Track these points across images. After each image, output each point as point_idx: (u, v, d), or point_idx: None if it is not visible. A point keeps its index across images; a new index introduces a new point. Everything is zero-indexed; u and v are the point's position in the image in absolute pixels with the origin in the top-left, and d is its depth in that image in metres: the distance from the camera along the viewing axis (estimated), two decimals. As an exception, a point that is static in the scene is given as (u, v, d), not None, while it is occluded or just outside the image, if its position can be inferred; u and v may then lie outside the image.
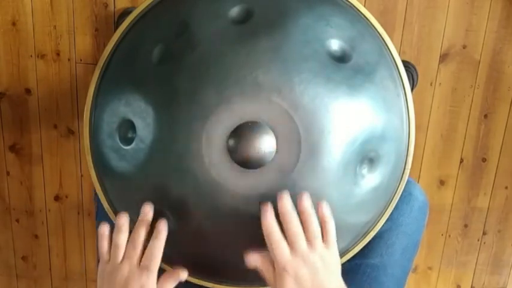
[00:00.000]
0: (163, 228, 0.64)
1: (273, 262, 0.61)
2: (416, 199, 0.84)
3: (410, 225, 0.83)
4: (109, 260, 0.65)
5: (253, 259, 0.63)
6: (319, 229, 0.61)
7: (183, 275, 0.66)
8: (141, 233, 0.64)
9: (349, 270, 0.71)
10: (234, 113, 0.61)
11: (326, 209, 0.62)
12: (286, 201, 0.61)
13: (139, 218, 0.65)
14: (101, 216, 0.88)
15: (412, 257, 0.86)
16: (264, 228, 0.60)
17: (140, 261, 0.63)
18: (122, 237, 0.64)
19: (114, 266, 0.63)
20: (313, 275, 0.60)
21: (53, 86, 1.25)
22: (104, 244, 0.66)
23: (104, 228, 0.66)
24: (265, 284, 0.73)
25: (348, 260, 0.73)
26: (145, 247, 0.64)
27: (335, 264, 0.63)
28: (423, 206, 0.86)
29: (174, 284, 0.65)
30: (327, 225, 0.62)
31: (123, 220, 0.65)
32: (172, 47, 0.66)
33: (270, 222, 0.60)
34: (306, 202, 0.61)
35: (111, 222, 0.73)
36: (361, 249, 0.73)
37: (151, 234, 0.64)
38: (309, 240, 0.61)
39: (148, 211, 0.65)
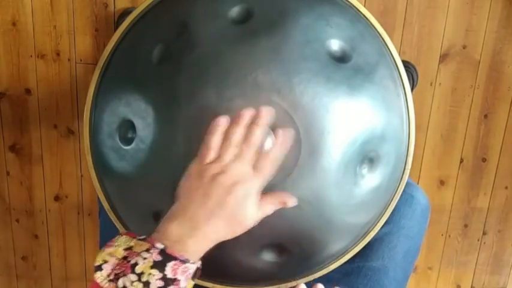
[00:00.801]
0: (290, 138, 0.57)
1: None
2: (418, 202, 0.84)
3: (412, 228, 0.83)
4: (215, 158, 0.56)
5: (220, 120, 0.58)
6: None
7: (291, 202, 0.58)
8: (259, 134, 0.56)
9: (350, 273, 0.71)
10: (234, 113, 0.61)
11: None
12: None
13: (257, 118, 0.57)
14: (103, 215, 0.88)
15: (413, 260, 0.86)
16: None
17: (254, 164, 0.56)
18: (241, 133, 0.57)
19: (224, 164, 0.56)
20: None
21: (53, 86, 1.25)
22: (217, 138, 0.57)
23: (223, 120, 0.57)
24: (265, 284, 0.73)
25: (350, 263, 0.73)
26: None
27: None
28: (425, 209, 0.86)
29: (276, 208, 0.58)
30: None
31: (246, 115, 0.57)
32: (172, 47, 0.66)
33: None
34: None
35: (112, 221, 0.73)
36: (363, 252, 0.73)
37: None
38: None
39: (268, 114, 0.57)
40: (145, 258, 0.51)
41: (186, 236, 0.53)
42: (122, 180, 0.69)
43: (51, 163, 1.32)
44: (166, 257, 0.51)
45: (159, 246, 0.52)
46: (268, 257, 0.68)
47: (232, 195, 0.54)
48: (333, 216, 0.66)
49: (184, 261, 0.52)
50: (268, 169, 0.56)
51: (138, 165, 0.66)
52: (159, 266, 0.51)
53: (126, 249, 0.53)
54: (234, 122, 0.57)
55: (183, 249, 0.53)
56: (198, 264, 0.54)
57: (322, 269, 0.73)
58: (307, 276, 0.73)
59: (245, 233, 0.65)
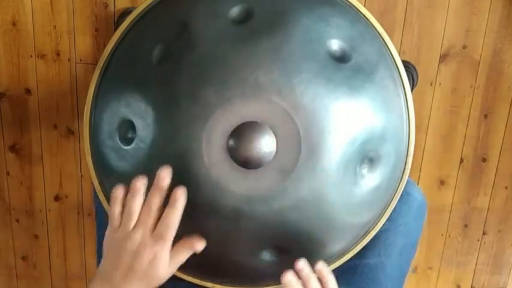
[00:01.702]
0: (180, 197, 0.60)
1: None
2: (414, 199, 0.84)
3: (409, 225, 0.83)
4: (119, 226, 0.61)
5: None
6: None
7: (199, 245, 0.62)
8: (157, 200, 0.60)
9: (347, 271, 0.71)
10: (234, 113, 0.61)
11: (324, 267, 0.64)
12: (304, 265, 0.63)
13: (154, 183, 0.60)
14: (100, 216, 0.88)
15: (410, 257, 0.86)
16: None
17: (154, 229, 0.60)
18: (137, 202, 0.60)
19: (126, 232, 0.60)
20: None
21: (53, 86, 1.25)
22: (116, 208, 0.61)
23: (119, 191, 0.62)
24: (265, 284, 0.73)
25: (348, 261, 0.73)
26: (159, 216, 0.60)
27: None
28: (421, 206, 0.86)
29: (188, 254, 0.62)
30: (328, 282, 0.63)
31: (140, 185, 0.60)
32: (172, 47, 0.66)
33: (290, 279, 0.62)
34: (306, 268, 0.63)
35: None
36: (359, 250, 0.73)
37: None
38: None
39: (164, 177, 0.60)
40: None
41: None
42: (122, 180, 0.69)
43: (51, 163, 1.32)
44: None
45: None
46: (268, 257, 0.68)
47: (139, 260, 0.59)
48: (333, 216, 0.66)
49: None
50: (169, 234, 0.60)
51: (138, 165, 0.66)
52: None
53: None
54: (130, 193, 0.61)
55: None
56: None
57: (322, 269, 0.73)
58: (307, 276, 0.73)
59: (245, 233, 0.65)
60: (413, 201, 0.84)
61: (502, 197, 1.38)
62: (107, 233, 0.62)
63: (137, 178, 0.61)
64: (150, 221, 0.60)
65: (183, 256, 0.62)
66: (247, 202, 0.63)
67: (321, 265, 0.64)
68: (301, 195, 0.63)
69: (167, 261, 0.60)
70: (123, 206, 0.61)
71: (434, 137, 1.31)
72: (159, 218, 0.60)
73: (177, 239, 0.63)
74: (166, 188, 0.60)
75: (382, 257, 0.79)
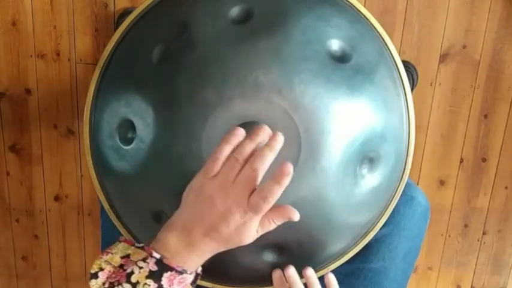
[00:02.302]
0: (289, 173, 0.53)
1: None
2: (419, 204, 0.84)
3: (413, 229, 0.83)
4: (218, 176, 0.54)
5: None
6: None
7: (295, 215, 0.55)
8: (269, 160, 0.53)
9: (350, 274, 0.71)
10: (234, 113, 0.61)
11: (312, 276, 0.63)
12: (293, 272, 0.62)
13: (272, 141, 0.54)
14: (104, 214, 0.88)
15: (413, 261, 0.86)
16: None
17: (250, 196, 0.53)
18: (249, 150, 0.54)
19: (224, 185, 0.53)
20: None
21: (53, 86, 1.25)
22: (227, 150, 0.54)
23: (240, 132, 0.55)
24: (265, 284, 0.73)
25: (350, 264, 0.73)
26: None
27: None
28: (425, 210, 0.86)
29: (280, 223, 0.56)
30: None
31: (263, 133, 0.55)
32: (172, 47, 0.66)
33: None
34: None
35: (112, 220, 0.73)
36: (363, 253, 0.73)
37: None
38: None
39: (281, 140, 0.54)
40: (141, 268, 0.51)
41: (183, 250, 0.53)
42: (122, 180, 0.69)
43: (51, 163, 1.32)
44: (162, 267, 0.51)
45: (156, 255, 0.52)
46: (268, 257, 0.68)
47: (225, 224, 0.53)
48: (333, 216, 0.66)
49: (181, 272, 0.52)
50: (262, 209, 0.53)
51: (138, 165, 0.66)
52: (155, 276, 0.51)
53: (123, 257, 0.52)
54: (248, 137, 0.55)
55: (181, 261, 0.53)
56: (198, 270, 0.55)
57: (322, 269, 0.73)
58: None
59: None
60: (418, 206, 0.84)
61: (502, 197, 1.38)
62: (197, 178, 0.55)
63: (262, 126, 0.54)
64: (253, 182, 0.53)
65: (273, 226, 0.56)
66: (247, 202, 0.63)
67: (310, 272, 0.62)
68: (301, 195, 0.63)
69: (255, 229, 0.54)
70: (234, 150, 0.54)
71: (434, 137, 1.31)
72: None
73: None
74: (277, 150, 0.55)
75: (386, 261, 0.79)
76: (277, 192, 0.53)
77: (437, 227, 1.40)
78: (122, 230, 0.73)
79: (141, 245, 0.54)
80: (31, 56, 1.22)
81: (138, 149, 0.65)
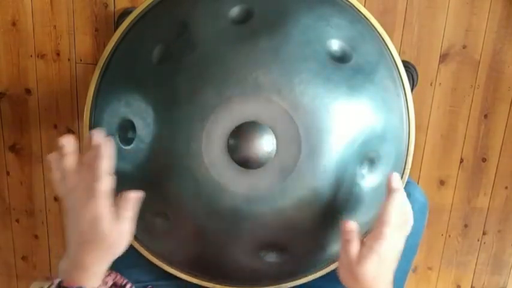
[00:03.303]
0: (101, 142, 0.58)
1: (360, 237, 0.62)
2: (416, 200, 0.84)
3: None
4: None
5: (350, 226, 0.61)
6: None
7: (136, 194, 0.59)
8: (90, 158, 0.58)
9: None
10: (234, 113, 0.61)
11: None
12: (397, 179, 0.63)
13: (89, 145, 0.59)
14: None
15: (411, 259, 0.86)
16: (387, 211, 0.61)
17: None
18: (70, 161, 0.59)
19: (64, 195, 0.60)
20: (392, 257, 0.62)
21: (53, 86, 1.25)
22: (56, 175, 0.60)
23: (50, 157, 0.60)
24: (265, 284, 0.73)
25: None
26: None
27: (399, 255, 0.65)
28: (423, 207, 0.86)
29: (132, 208, 0.59)
30: (410, 215, 0.64)
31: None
32: (172, 47, 0.66)
33: (393, 211, 0.61)
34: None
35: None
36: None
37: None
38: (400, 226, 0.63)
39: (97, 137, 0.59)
40: None
41: (69, 268, 0.58)
42: (122, 181, 0.69)
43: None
44: None
45: (56, 281, 0.57)
46: (268, 257, 0.68)
47: (80, 221, 0.57)
48: (332, 216, 0.66)
49: None
50: (98, 185, 0.56)
51: (138, 165, 0.66)
52: None
53: None
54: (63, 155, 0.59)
55: (72, 279, 0.57)
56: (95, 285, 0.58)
57: (322, 269, 0.73)
58: (307, 276, 0.73)
59: (245, 233, 0.65)
60: (415, 203, 0.84)
61: (502, 197, 1.37)
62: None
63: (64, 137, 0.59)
64: (83, 179, 0.58)
65: (127, 211, 0.58)
66: (247, 202, 0.63)
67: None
68: (301, 195, 0.63)
69: (109, 217, 0.56)
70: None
71: (434, 137, 1.31)
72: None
73: (177, 240, 0.63)
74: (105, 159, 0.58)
75: None
76: (101, 164, 0.57)
77: (437, 227, 1.39)
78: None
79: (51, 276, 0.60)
80: (31, 56, 1.22)
81: (138, 149, 0.65)
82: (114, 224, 0.57)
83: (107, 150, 0.58)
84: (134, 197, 0.59)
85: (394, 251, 0.63)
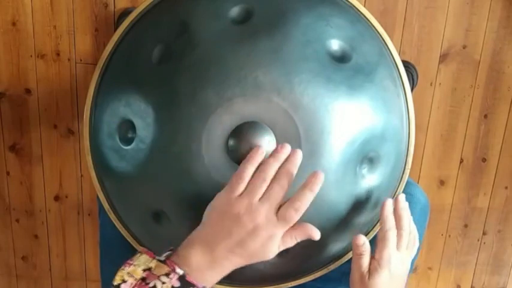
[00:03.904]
0: (320, 181, 0.56)
1: (370, 251, 0.64)
2: (418, 201, 0.84)
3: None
4: (243, 192, 0.56)
5: (361, 240, 0.64)
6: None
7: (316, 234, 0.58)
8: (293, 175, 0.56)
9: (349, 272, 0.71)
10: (234, 113, 0.61)
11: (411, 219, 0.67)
12: (404, 201, 0.66)
13: (293, 158, 0.57)
14: (103, 215, 0.88)
15: (412, 260, 0.86)
16: (383, 217, 0.64)
17: (279, 209, 0.56)
18: (274, 169, 0.56)
19: (251, 204, 0.55)
20: (402, 275, 0.66)
21: (53, 86, 1.25)
22: (251, 169, 0.57)
23: (261, 151, 0.58)
24: (265, 284, 0.73)
25: (349, 262, 0.73)
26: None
27: (408, 271, 0.68)
28: (424, 208, 0.86)
29: (300, 240, 0.58)
30: (415, 234, 0.69)
31: (285, 151, 0.57)
32: (172, 47, 0.66)
33: (389, 215, 0.64)
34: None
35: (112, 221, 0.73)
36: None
37: None
38: (408, 241, 0.66)
39: (300, 156, 0.58)
40: (164, 283, 0.52)
41: (205, 267, 0.55)
42: (122, 180, 0.69)
43: (51, 163, 1.32)
44: (185, 283, 0.52)
45: (179, 271, 0.53)
46: (268, 257, 0.68)
47: (254, 239, 0.55)
48: (332, 216, 0.66)
49: None
50: (296, 218, 0.56)
51: (138, 165, 0.66)
52: None
53: (145, 270, 0.53)
54: (272, 155, 0.57)
55: (202, 278, 0.54)
56: None
57: (322, 269, 0.73)
58: (307, 276, 0.73)
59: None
60: (417, 203, 0.84)
61: (502, 197, 1.38)
62: (221, 196, 0.57)
63: (283, 144, 0.57)
64: (280, 197, 0.56)
65: (294, 242, 0.58)
66: (247, 202, 0.63)
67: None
68: (301, 195, 0.63)
69: (277, 245, 0.56)
70: (259, 169, 0.56)
71: (434, 137, 1.31)
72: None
73: (177, 240, 0.63)
74: (298, 165, 0.57)
75: None
76: (310, 200, 0.56)
77: (437, 227, 1.40)
78: (122, 231, 0.73)
79: (163, 258, 0.55)
80: (31, 56, 1.22)
81: (138, 149, 0.65)
82: (277, 249, 0.57)
83: (319, 186, 0.57)
84: (311, 233, 0.58)
85: (402, 266, 0.65)
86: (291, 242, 0.58)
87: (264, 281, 0.72)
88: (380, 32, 0.70)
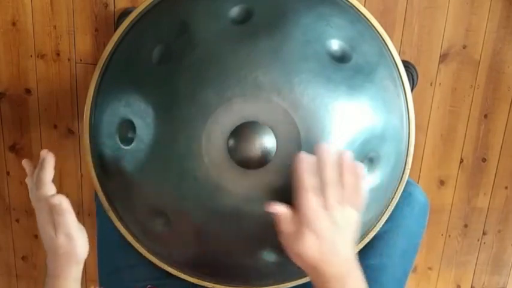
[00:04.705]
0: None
1: (293, 215, 0.58)
2: (417, 200, 0.84)
3: (411, 226, 0.83)
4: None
5: (275, 208, 0.58)
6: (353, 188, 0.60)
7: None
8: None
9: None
10: (234, 113, 0.61)
11: (360, 168, 0.60)
12: (327, 151, 0.58)
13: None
14: (100, 215, 0.88)
15: (412, 259, 0.86)
16: (296, 174, 0.57)
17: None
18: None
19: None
20: (334, 233, 0.58)
21: (53, 86, 1.25)
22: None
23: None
24: (265, 284, 0.73)
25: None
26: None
27: (353, 228, 0.61)
28: (424, 207, 0.86)
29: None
30: (356, 185, 0.59)
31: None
32: (172, 47, 0.66)
33: (302, 169, 0.57)
34: (349, 156, 0.59)
35: (111, 221, 0.73)
36: (361, 250, 0.73)
37: None
38: (340, 196, 0.58)
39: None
40: None
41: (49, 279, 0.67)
42: (122, 180, 0.69)
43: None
44: None
45: None
46: (268, 257, 0.68)
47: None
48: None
49: None
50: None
51: (138, 165, 0.66)
52: None
53: None
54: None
55: None
56: None
57: (322, 269, 0.73)
58: (307, 276, 0.73)
59: (245, 233, 0.65)
60: (416, 203, 0.84)
61: (502, 197, 1.38)
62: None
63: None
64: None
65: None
66: (247, 202, 0.63)
67: (359, 166, 0.60)
68: (301, 195, 0.63)
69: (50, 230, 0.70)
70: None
71: (434, 137, 1.31)
72: None
73: (177, 240, 0.63)
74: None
75: (384, 257, 0.79)
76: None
77: (437, 227, 1.39)
78: (122, 230, 0.73)
79: None
80: (31, 56, 1.22)
81: (138, 149, 0.65)
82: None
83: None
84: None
85: (337, 224, 0.57)
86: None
87: (264, 281, 0.72)
88: (380, 32, 0.70)
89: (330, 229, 0.57)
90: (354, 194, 0.59)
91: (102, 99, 0.70)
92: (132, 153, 0.66)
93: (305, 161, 0.57)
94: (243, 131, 0.62)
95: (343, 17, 0.68)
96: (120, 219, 0.73)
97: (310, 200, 0.56)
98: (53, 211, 0.67)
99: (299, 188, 0.57)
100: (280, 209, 0.58)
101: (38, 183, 0.67)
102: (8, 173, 1.33)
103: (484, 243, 1.42)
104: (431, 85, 1.26)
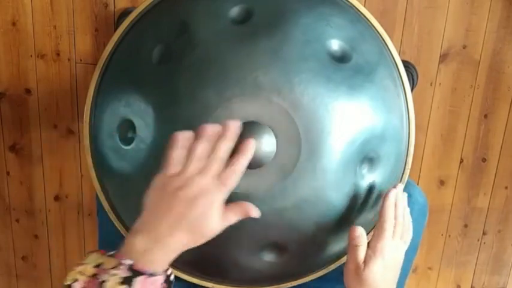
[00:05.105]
0: (252, 146, 0.58)
1: (366, 242, 0.65)
2: (416, 201, 0.84)
3: None
4: (178, 172, 0.56)
5: (358, 231, 0.64)
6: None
7: (254, 213, 0.59)
8: (225, 148, 0.57)
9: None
10: (234, 113, 0.61)
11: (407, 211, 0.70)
12: (401, 191, 0.69)
13: (224, 132, 0.57)
14: (101, 215, 0.88)
15: (411, 259, 0.86)
16: (385, 207, 0.65)
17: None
18: (206, 148, 0.57)
19: (187, 178, 0.55)
20: (397, 265, 0.67)
21: (53, 86, 1.25)
22: (177, 152, 0.57)
23: (181, 135, 0.57)
24: (265, 284, 0.73)
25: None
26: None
27: (401, 263, 0.69)
28: (423, 208, 0.86)
29: (240, 217, 0.58)
30: (409, 224, 0.70)
31: (212, 130, 0.57)
32: (172, 47, 0.66)
33: (391, 205, 0.66)
34: (406, 198, 0.69)
35: (111, 221, 0.73)
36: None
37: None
38: (401, 232, 0.67)
39: (235, 127, 0.58)
40: (114, 275, 0.52)
41: (151, 249, 0.54)
42: (122, 181, 0.69)
43: (51, 163, 1.32)
44: (134, 272, 0.52)
45: (127, 262, 0.52)
46: (268, 257, 0.68)
47: (194, 208, 0.55)
48: (332, 216, 0.66)
49: (152, 275, 0.53)
50: (233, 181, 0.57)
51: (138, 165, 0.66)
52: (128, 281, 0.52)
53: (95, 267, 0.53)
54: (197, 136, 0.57)
55: (150, 262, 0.53)
56: (168, 272, 0.56)
57: (322, 269, 0.73)
58: (307, 276, 0.73)
59: (245, 233, 0.65)
60: (415, 203, 0.84)
61: (502, 197, 1.38)
62: (157, 179, 0.57)
63: (207, 124, 0.57)
64: (215, 168, 0.56)
65: (234, 218, 0.58)
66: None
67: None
68: (301, 195, 0.63)
69: (220, 214, 0.56)
70: (187, 150, 0.57)
71: (434, 137, 1.31)
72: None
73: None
74: (234, 138, 0.58)
75: None
76: (244, 164, 0.57)
77: (437, 227, 1.39)
78: (122, 230, 0.73)
79: (112, 252, 0.55)
80: (31, 56, 1.22)
81: (138, 149, 0.65)
82: (219, 222, 0.56)
83: (252, 151, 0.58)
84: (249, 211, 0.58)
85: (397, 256, 0.66)
86: (233, 218, 0.57)
87: (264, 281, 0.72)
88: (380, 32, 0.70)
89: (394, 257, 0.66)
90: (408, 232, 0.69)
91: (102, 99, 0.70)
92: (132, 153, 0.66)
93: (393, 197, 0.66)
94: (243, 131, 0.62)
95: (343, 17, 0.68)
96: (120, 219, 0.73)
97: (389, 229, 0.65)
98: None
99: (384, 220, 0.65)
100: (360, 232, 0.64)
101: (229, 167, 0.58)
102: (8, 173, 1.33)
103: (484, 243, 1.42)
104: (431, 85, 1.26)
